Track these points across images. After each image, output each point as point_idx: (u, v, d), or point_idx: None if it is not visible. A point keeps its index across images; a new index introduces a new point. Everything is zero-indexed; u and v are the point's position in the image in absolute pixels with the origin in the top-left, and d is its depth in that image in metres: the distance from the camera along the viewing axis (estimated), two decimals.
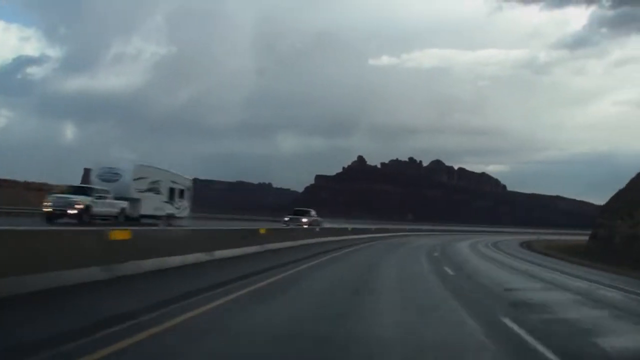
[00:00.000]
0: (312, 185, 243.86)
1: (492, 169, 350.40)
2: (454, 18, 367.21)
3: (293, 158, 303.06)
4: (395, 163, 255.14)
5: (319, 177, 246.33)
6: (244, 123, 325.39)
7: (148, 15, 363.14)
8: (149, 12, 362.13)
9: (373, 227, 53.64)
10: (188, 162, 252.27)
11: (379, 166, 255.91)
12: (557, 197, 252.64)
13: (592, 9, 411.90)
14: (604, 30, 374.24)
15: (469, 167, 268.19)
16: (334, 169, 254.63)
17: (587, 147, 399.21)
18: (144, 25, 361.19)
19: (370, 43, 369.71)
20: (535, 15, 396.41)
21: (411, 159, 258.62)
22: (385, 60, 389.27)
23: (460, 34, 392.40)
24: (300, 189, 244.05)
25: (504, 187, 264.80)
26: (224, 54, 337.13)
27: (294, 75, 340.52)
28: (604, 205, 55.27)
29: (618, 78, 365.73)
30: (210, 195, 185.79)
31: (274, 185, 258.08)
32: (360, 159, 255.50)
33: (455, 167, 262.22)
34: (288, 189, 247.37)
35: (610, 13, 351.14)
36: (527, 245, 53.95)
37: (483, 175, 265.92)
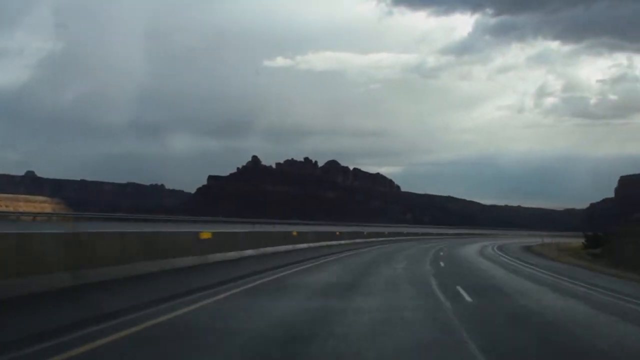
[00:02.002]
0: (204, 186, 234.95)
1: (385, 170, 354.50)
2: (347, 21, 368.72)
3: (186, 159, 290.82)
4: (290, 163, 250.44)
5: (211, 178, 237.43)
6: (135, 123, 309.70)
7: (33, 9, 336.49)
8: (34, 5, 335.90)
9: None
10: (76, 162, 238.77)
11: (273, 166, 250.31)
12: (449, 197, 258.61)
13: (476, 16, 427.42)
14: (487, 37, 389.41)
15: (364, 168, 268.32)
16: (228, 170, 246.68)
17: (473, 149, 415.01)
18: (28, 20, 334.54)
19: (266, 44, 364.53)
20: (423, 21, 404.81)
21: (306, 159, 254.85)
22: (280, 61, 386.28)
23: (353, 38, 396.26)
24: (193, 190, 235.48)
25: (398, 187, 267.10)
26: (115, 50, 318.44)
27: (188, 74, 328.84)
28: None
29: (500, 84, 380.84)
30: (100, 198, 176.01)
31: (167, 187, 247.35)
32: (255, 159, 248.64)
33: (351, 168, 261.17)
34: (181, 191, 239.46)
35: (493, 21, 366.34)
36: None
37: (378, 175, 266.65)
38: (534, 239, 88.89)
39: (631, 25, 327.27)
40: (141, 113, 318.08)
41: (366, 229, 71.44)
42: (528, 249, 61.89)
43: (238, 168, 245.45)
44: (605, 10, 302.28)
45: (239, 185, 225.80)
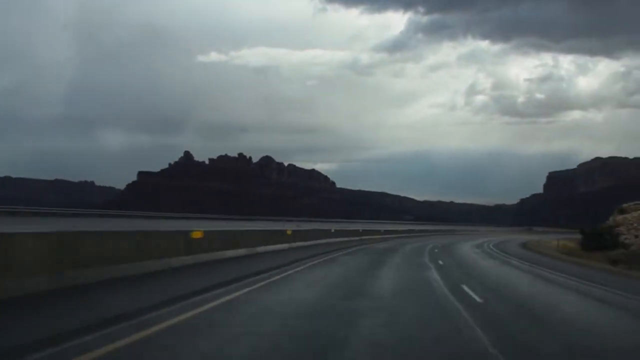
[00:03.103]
0: (134, 182, 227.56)
1: (321, 166, 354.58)
2: (281, 17, 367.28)
3: (117, 155, 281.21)
4: (224, 159, 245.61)
5: (142, 174, 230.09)
6: (63, 118, 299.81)
7: None
8: None
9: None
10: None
11: (206, 162, 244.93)
12: (383, 194, 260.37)
13: (409, 15, 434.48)
14: (419, 35, 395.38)
15: (299, 165, 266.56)
16: (160, 166, 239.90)
17: (406, 146, 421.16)
18: None
19: (199, 39, 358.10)
20: (356, 18, 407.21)
21: (241, 154, 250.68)
22: (214, 56, 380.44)
23: (288, 34, 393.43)
24: (123, 187, 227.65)
25: (334, 183, 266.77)
26: (42, 43, 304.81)
27: (119, 69, 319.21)
28: None
29: (433, 82, 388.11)
30: (26, 195, 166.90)
31: (97, 184, 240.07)
32: (187, 154, 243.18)
33: (286, 164, 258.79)
34: (113, 187, 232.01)
35: (425, 19, 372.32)
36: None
37: (313, 172, 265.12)
38: (512, 236, 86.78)
39: (555, 26, 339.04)
40: (70, 108, 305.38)
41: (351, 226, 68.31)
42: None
43: (170, 164, 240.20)
44: (530, 11, 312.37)
45: (171, 181, 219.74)
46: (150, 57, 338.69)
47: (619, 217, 61.27)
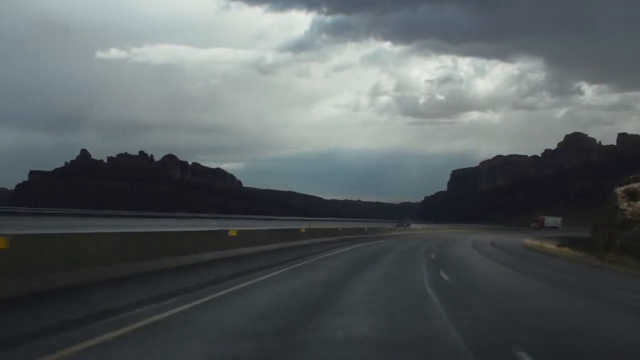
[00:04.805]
0: (25, 182, 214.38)
1: (228, 166, 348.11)
2: (184, 14, 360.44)
3: (6, 154, 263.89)
4: (124, 157, 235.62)
5: (33, 173, 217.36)
6: None
7: None
8: None
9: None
10: None
11: (105, 160, 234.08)
12: (291, 193, 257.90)
13: (313, 15, 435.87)
14: (324, 36, 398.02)
15: (204, 164, 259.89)
16: (55, 165, 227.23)
17: (313, 146, 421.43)
18: None
19: (99, 35, 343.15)
20: (260, 17, 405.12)
21: (141, 152, 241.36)
22: (114, 53, 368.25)
23: (191, 31, 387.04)
24: (13, 187, 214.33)
25: (240, 182, 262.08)
26: None
27: (10, 65, 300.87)
28: None
29: (337, 82, 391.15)
30: None
31: None
32: (84, 152, 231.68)
33: (190, 163, 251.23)
34: (5, 188, 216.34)
35: (328, 20, 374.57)
36: None
37: (218, 170, 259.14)
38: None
39: (453, 29, 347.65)
40: None
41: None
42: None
43: (66, 162, 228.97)
44: (429, 13, 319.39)
45: (66, 180, 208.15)
46: (45, 52, 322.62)
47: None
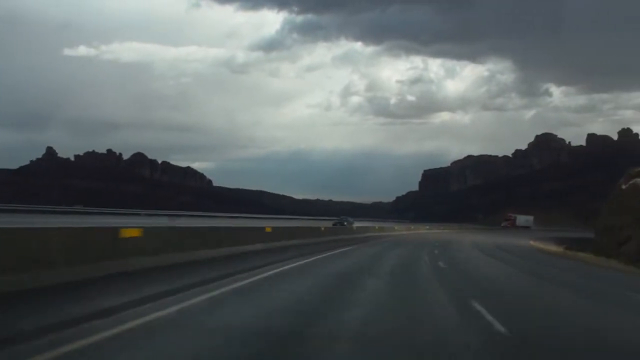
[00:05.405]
0: None
1: (199, 165, 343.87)
2: (153, 12, 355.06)
3: None
4: (91, 155, 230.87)
5: None
6: None
7: None
8: None
9: None
10: None
11: (72, 159, 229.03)
12: (261, 192, 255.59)
13: (284, 14, 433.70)
14: (295, 35, 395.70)
15: (174, 163, 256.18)
16: (20, 163, 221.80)
17: (284, 146, 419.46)
18: None
19: (67, 32, 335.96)
20: (231, 15, 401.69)
21: (109, 151, 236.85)
22: (83, 50, 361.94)
23: (161, 29, 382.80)
24: None
25: (210, 182, 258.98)
26: None
27: None
28: None
29: (309, 82, 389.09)
30: None
31: None
32: (50, 151, 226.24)
33: (160, 162, 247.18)
34: None
35: (299, 19, 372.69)
36: None
37: (188, 169, 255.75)
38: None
39: (423, 30, 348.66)
40: None
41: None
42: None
43: (32, 161, 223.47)
44: (399, 14, 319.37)
45: (31, 179, 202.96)
46: (10, 49, 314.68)
47: None
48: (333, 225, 66.44)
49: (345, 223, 74.41)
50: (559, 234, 62.75)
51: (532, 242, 50.61)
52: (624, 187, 34.96)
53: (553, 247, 42.43)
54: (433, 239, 53.51)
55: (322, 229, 42.15)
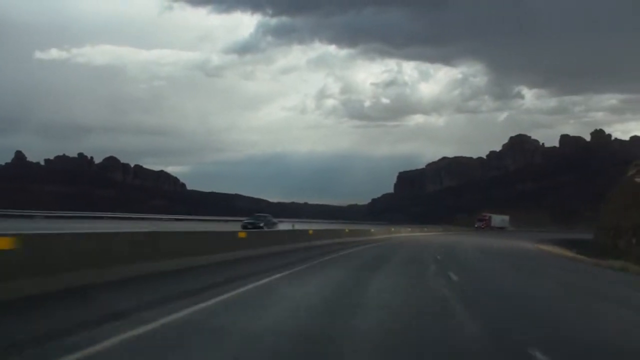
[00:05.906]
0: None
1: (172, 169, 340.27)
2: (126, 14, 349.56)
3: None
4: (62, 159, 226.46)
5: None
6: None
7: None
8: None
9: None
10: None
11: (42, 163, 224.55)
12: (236, 195, 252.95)
13: (257, 16, 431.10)
14: (269, 38, 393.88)
15: (147, 166, 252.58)
16: None
17: (259, 149, 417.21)
18: None
19: (37, 34, 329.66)
20: (204, 18, 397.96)
21: (81, 154, 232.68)
22: (54, 53, 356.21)
23: (133, 32, 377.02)
24: None
25: (184, 185, 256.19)
26: None
27: None
28: None
29: (284, 85, 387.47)
30: None
31: None
32: (19, 154, 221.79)
33: (132, 165, 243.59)
34: None
35: (273, 22, 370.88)
36: None
37: (162, 173, 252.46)
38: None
39: (397, 33, 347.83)
40: None
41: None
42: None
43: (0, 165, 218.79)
44: (372, 17, 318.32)
45: None
46: None
47: None
48: (243, 228, 42.39)
49: (263, 225, 50.48)
50: (546, 235, 60.74)
51: (539, 246, 45.99)
52: (637, 179, 32.31)
53: (569, 253, 37.84)
54: (425, 242, 46.89)
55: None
